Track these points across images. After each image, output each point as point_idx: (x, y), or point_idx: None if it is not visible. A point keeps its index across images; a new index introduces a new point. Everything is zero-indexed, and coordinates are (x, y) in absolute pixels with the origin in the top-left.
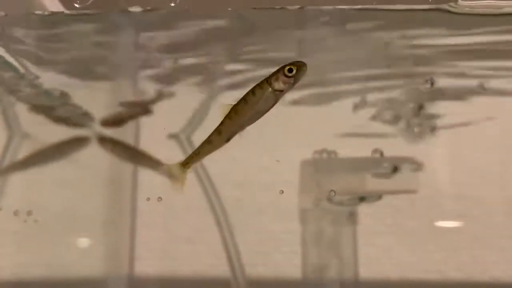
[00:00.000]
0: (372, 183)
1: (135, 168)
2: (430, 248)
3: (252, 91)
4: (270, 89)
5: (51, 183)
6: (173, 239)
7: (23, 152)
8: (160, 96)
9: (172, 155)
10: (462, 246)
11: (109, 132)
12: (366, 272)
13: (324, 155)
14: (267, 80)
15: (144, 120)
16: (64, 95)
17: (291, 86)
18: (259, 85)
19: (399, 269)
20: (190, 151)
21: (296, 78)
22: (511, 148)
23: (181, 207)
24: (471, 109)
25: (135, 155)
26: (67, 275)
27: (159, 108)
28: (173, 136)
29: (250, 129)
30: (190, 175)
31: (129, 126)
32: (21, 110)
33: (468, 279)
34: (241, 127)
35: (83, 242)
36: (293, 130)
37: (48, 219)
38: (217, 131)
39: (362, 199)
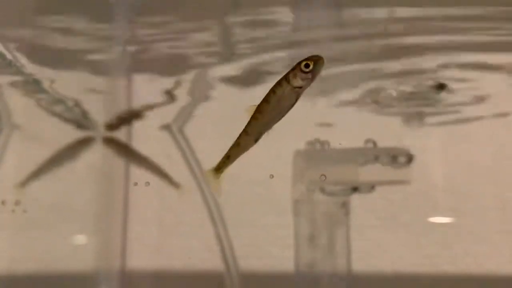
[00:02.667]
0: (365, 174)
1: (127, 161)
2: (423, 241)
3: (273, 90)
4: (289, 86)
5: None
6: (166, 233)
7: (13, 143)
8: (166, 102)
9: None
10: (455, 240)
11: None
12: (359, 265)
13: (317, 146)
14: (286, 78)
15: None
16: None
17: (310, 82)
18: (279, 83)
19: (392, 262)
20: (182, 143)
21: (314, 73)
22: (504, 143)
23: (174, 201)
24: (464, 104)
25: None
26: (57, 270)
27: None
28: (165, 127)
29: (244, 120)
30: (183, 169)
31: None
32: (11, 101)
33: (461, 273)
34: (267, 126)
35: (74, 235)
36: (286, 121)
37: (37, 210)
38: (245, 132)
39: (354, 189)
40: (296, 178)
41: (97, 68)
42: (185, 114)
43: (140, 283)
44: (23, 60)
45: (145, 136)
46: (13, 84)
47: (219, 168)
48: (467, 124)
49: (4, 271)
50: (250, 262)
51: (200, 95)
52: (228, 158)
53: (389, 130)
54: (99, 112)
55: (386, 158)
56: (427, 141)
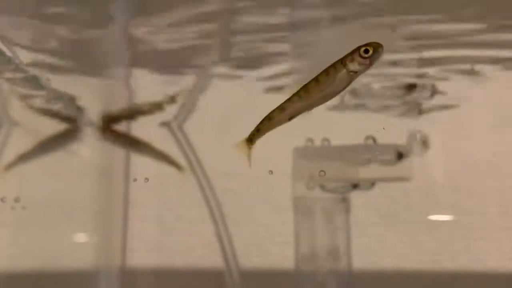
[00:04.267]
0: (365, 171)
1: (127, 157)
2: (423, 238)
3: (326, 71)
4: (344, 70)
5: (40, 171)
6: (166, 230)
7: (13, 140)
8: (171, 99)
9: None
10: (455, 237)
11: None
12: (359, 262)
13: (317, 143)
14: (342, 61)
15: None
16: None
17: (366, 68)
18: (333, 66)
19: (392, 259)
20: (181, 140)
21: (372, 60)
22: (504, 140)
23: (174, 198)
24: (465, 99)
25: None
26: (57, 267)
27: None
28: (165, 125)
29: (243, 117)
30: (184, 166)
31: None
32: (10, 97)
33: (462, 270)
34: (309, 107)
35: (74, 232)
36: None
37: (37, 207)
38: (281, 108)
39: (354, 186)
40: (296, 175)
41: (95, 64)
42: (185, 112)
43: (140, 281)
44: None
45: (144, 133)
46: (12, 81)
47: (250, 140)
48: (467, 121)
49: (4, 268)
50: (250, 260)
51: (200, 92)
52: (258, 131)
53: (389, 127)
54: (96, 109)
55: (386, 154)
56: (428, 137)
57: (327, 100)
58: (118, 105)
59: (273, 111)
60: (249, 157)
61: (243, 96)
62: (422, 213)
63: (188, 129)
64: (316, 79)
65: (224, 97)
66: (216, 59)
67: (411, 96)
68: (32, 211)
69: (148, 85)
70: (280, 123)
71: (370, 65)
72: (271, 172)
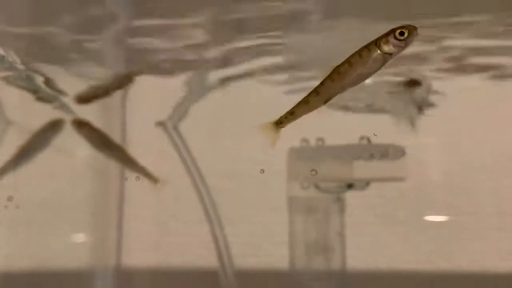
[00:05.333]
0: (359, 170)
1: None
2: (419, 238)
3: (359, 53)
4: (378, 51)
5: (34, 170)
6: (161, 230)
7: (7, 139)
8: (133, 75)
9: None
10: (451, 237)
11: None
12: (354, 262)
13: (312, 143)
14: (376, 42)
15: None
16: (48, 81)
17: (400, 50)
18: (367, 47)
19: (387, 259)
20: (177, 140)
21: (406, 42)
22: (500, 140)
23: (169, 198)
24: (461, 99)
25: (112, 147)
26: (52, 267)
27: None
28: (160, 124)
29: (239, 116)
30: (178, 165)
31: (116, 113)
32: (5, 96)
33: (457, 270)
34: (342, 89)
35: (69, 231)
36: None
37: (31, 206)
38: (316, 91)
39: (349, 186)
40: (291, 175)
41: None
42: (180, 111)
43: (136, 280)
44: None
45: (139, 132)
46: (6, 80)
47: (281, 122)
48: (463, 121)
49: None
50: (246, 259)
51: (196, 91)
52: (291, 114)
53: (384, 127)
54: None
55: (381, 154)
56: (423, 138)
57: (359, 82)
58: (112, 106)
59: (309, 94)
60: (274, 140)
61: (239, 95)
62: (418, 213)
63: (183, 129)
64: (348, 61)
65: (219, 97)
66: (212, 58)
67: (412, 92)
68: (26, 210)
69: (143, 85)
70: (315, 107)
71: (404, 47)
72: (262, 171)
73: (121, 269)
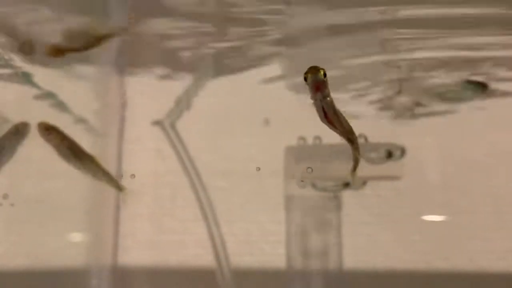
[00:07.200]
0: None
1: (119, 154)
2: (415, 238)
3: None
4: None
5: (29, 168)
6: (158, 229)
7: None
8: (114, 33)
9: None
10: (448, 237)
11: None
12: (351, 262)
13: (309, 141)
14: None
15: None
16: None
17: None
18: None
19: (384, 259)
20: (174, 138)
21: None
22: (497, 139)
23: (166, 197)
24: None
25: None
26: (48, 266)
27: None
28: (157, 123)
29: (237, 116)
30: (176, 164)
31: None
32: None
33: (454, 269)
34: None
35: (65, 230)
36: (278, 116)
37: (26, 204)
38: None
39: (346, 185)
40: (288, 173)
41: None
42: (178, 110)
43: (132, 279)
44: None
45: (136, 131)
46: (2, 77)
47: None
48: (460, 120)
49: None
50: (242, 258)
51: (193, 90)
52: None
53: (381, 125)
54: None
55: (388, 153)
56: (420, 137)
57: None
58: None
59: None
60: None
61: (236, 94)
62: (415, 213)
63: (181, 127)
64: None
65: (217, 95)
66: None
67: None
68: (21, 208)
69: (142, 83)
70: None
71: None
72: (258, 168)
73: (117, 268)
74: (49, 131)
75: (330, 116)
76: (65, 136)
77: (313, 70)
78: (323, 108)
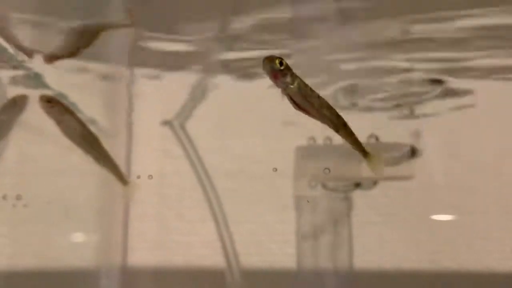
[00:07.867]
0: (367, 170)
1: (128, 155)
2: (424, 238)
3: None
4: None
5: (41, 169)
6: (167, 229)
7: (14, 138)
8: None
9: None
10: (456, 237)
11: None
12: (360, 261)
13: (319, 142)
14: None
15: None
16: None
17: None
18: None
19: (393, 259)
20: (183, 139)
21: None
22: (506, 140)
23: (175, 197)
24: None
25: (85, 136)
26: (58, 266)
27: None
28: (167, 123)
29: (246, 117)
30: (184, 164)
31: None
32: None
33: (462, 269)
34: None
35: (75, 230)
36: (288, 117)
37: (38, 205)
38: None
39: (357, 185)
40: (298, 174)
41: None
42: (187, 110)
43: (141, 279)
44: None
45: (145, 131)
46: (14, 79)
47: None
48: (469, 121)
49: (4, 266)
50: (251, 258)
51: (202, 90)
52: None
53: (391, 125)
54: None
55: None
56: (429, 138)
57: None
58: (118, 103)
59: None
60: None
61: (245, 95)
62: (423, 213)
63: (190, 127)
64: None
65: (226, 96)
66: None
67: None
68: (34, 209)
69: (151, 83)
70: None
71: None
72: (275, 169)
73: (126, 268)
74: (51, 103)
75: (300, 102)
76: (68, 109)
77: (268, 60)
78: (290, 97)
